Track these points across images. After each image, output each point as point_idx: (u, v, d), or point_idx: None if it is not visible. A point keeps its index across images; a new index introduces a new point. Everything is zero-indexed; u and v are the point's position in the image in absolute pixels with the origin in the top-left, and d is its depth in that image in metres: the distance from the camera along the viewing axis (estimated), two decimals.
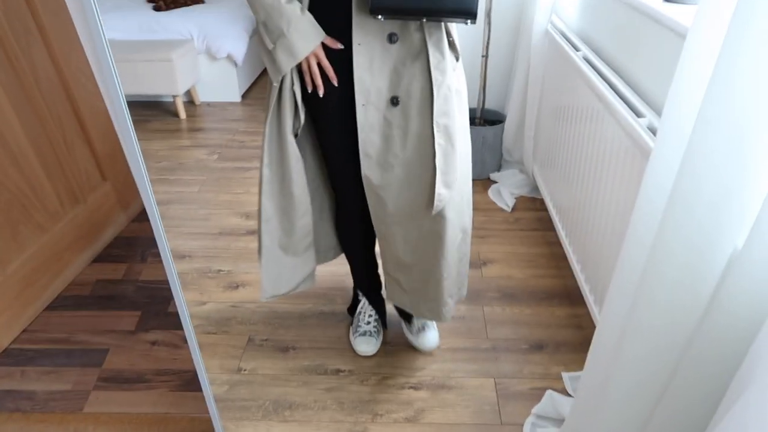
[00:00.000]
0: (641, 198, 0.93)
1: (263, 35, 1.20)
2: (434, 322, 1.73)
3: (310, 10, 1.20)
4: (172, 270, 1.11)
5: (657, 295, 0.90)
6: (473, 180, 2.61)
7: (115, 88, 0.84)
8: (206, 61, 3.64)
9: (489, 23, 2.26)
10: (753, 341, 0.73)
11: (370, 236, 1.58)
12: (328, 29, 1.21)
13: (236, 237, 2.27)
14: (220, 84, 3.71)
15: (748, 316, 0.83)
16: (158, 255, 2.06)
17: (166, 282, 1.97)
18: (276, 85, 1.26)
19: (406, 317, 1.71)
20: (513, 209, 2.42)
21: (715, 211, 0.79)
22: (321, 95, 1.25)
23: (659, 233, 0.86)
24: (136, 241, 2.20)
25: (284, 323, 1.83)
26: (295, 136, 1.34)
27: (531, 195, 2.49)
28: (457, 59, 1.29)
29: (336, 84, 1.24)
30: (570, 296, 1.91)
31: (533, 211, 2.40)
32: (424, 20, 1.18)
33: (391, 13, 1.13)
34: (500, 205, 2.44)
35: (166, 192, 2.60)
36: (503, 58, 2.50)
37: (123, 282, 1.98)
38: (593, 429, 1.16)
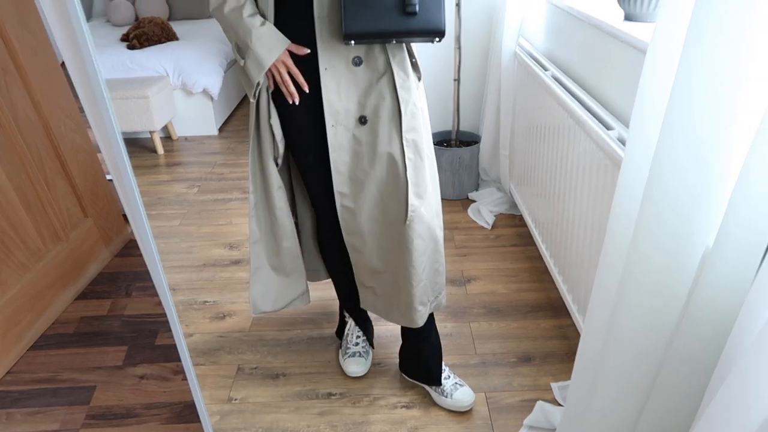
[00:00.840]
0: (615, 207, 0.97)
1: (236, 56, 1.26)
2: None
3: (276, 25, 1.26)
4: (169, 301, 1.11)
5: (635, 299, 0.94)
6: (452, 200, 2.67)
7: (112, 127, 0.86)
8: (182, 96, 3.67)
9: (459, 48, 2.34)
10: (730, 333, 0.77)
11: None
12: (296, 54, 1.26)
13: (221, 268, 2.27)
14: (197, 118, 3.74)
15: (724, 310, 0.87)
16: (143, 289, 2.07)
17: (152, 315, 1.98)
18: (253, 118, 1.33)
19: (433, 381, 1.63)
20: (493, 226, 2.46)
21: (684, 213, 0.83)
22: (296, 103, 1.29)
23: (633, 239, 0.90)
24: (119, 277, 2.19)
25: (273, 350, 1.83)
26: (277, 165, 1.40)
27: (510, 212, 2.55)
28: (419, 79, 1.35)
29: (307, 90, 1.28)
30: (554, 308, 1.95)
31: (513, 227, 2.45)
32: (393, 42, 1.23)
33: (364, 38, 1.19)
34: (480, 223, 2.48)
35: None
36: (475, 80, 2.57)
37: (108, 318, 1.97)
38: None
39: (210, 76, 3.62)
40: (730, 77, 0.73)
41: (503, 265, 2.21)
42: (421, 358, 1.62)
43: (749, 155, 0.73)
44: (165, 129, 3.68)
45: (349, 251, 1.48)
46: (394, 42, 1.24)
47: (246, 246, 2.42)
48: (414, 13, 1.16)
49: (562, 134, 1.72)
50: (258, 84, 1.26)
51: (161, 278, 1.06)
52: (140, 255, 2.33)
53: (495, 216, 2.52)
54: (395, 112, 1.30)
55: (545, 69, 1.92)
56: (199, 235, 2.51)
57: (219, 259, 2.33)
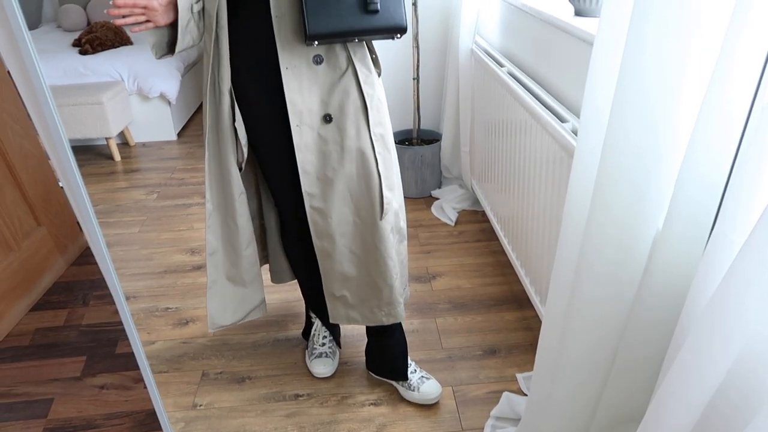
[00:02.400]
0: (569, 196, 0.99)
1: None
2: (334, 352, 1.75)
3: (237, 37, 1.24)
4: (124, 308, 1.08)
5: (590, 287, 0.96)
6: (416, 198, 2.69)
7: (58, 133, 0.83)
8: (138, 101, 3.59)
9: (417, 47, 2.35)
10: (681, 310, 0.80)
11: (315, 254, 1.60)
12: (256, 55, 1.25)
13: (182, 274, 2.23)
14: (155, 123, 3.66)
15: (674, 295, 0.89)
16: (101, 297, 2.02)
17: (111, 324, 1.93)
18: (210, 122, 1.30)
19: (400, 376, 1.63)
20: (456, 223, 2.48)
21: (634, 198, 0.86)
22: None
23: (586, 230, 0.92)
24: (76, 286, 2.12)
25: (238, 354, 1.80)
26: (240, 169, 1.38)
27: (472, 208, 2.57)
28: (379, 75, 1.36)
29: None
30: (518, 300, 1.98)
31: (476, 223, 2.48)
32: (356, 40, 1.23)
33: (327, 37, 1.18)
34: (444, 220, 2.50)
35: (104, 235, 2.52)
36: (434, 78, 2.59)
37: (65, 328, 1.91)
38: (548, 422, 1.20)
39: (167, 80, 3.55)
40: (673, 64, 0.75)
41: (467, 260, 2.23)
42: (387, 355, 1.62)
43: (692, 137, 0.76)
44: (122, 135, 3.60)
45: (319, 259, 1.45)
46: (357, 40, 1.24)
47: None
48: (376, 11, 1.16)
49: (519, 129, 1.75)
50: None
51: (115, 284, 1.04)
52: (97, 263, 2.27)
53: (458, 213, 2.54)
54: (361, 107, 1.29)
55: (501, 65, 1.95)
56: (159, 242, 2.46)
57: (180, 265, 2.29)
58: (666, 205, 0.83)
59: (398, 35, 1.22)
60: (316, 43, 1.19)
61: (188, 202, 2.83)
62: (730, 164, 0.75)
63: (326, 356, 1.71)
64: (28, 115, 1.96)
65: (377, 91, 1.32)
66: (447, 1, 2.41)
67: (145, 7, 1.12)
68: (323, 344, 1.73)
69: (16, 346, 1.83)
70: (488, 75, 2.04)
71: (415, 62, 2.39)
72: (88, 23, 4.31)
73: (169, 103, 3.60)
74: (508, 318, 1.90)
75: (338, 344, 1.76)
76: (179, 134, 3.78)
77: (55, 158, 0.90)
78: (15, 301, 1.91)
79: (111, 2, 1.08)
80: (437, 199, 2.65)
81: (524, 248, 1.82)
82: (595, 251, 0.90)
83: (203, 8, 1.22)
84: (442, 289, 2.06)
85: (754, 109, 0.72)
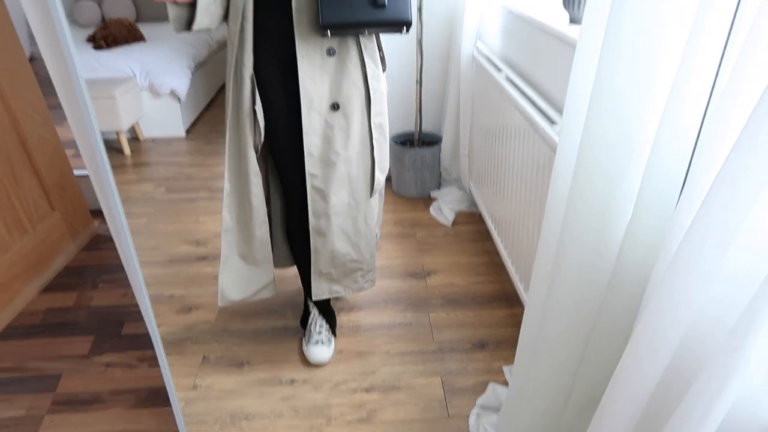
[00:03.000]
0: (551, 191, 1.07)
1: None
2: (330, 340, 1.83)
3: (260, 28, 1.36)
4: (142, 290, 1.16)
5: (567, 274, 1.03)
6: (415, 198, 2.76)
7: (91, 124, 0.91)
8: (149, 97, 3.68)
9: (421, 51, 2.44)
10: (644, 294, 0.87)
11: None
12: (276, 45, 1.37)
13: (188, 264, 2.31)
14: (164, 119, 3.76)
15: (641, 278, 0.97)
16: (109, 281, 2.11)
17: (119, 306, 2.01)
18: (232, 107, 1.42)
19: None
20: (453, 223, 2.56)
21: (605, 194, 0.93)
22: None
23: (564, 219, 1.00)
24: (86, 270, 2.21)
25: (238, 341, 1.88)
26: (257, 152, 1.49)
27: (469, 210, 2.65)
28: (384, 70, 1.50)
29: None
30: (509, 298, 2.05)
31: (472, 224, 2.56)
32: (366, 32, 1.36)
33: (339, 28, 1.30)
34: (441, 220, 2.58)
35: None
36: (436, 82, 2.68)
37: (74, 309, 1.99)
38: (527, 407, 1.28)
39: (178, 77, 3.65)
40: (642, 68, 0.83)
41: (462, 259, 2.31)
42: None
43: (657, 135, 0.84)
44: (132, 130, 3.70)
45: (312, 237, 1.57)
46: (366, 33, 1.37)
47: (213, 242, 2.46)
48: (383, 6, 1.29)
49: (515, 134, 1.82)
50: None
51: (135, 267, 1.12)
52: (107, 249, 2.36)
53: (455, 214, 2.62)
54: (366, 99, 1.45)
55: (499, 70, 2.03)
56: (166, 233, 2.54)
57: (186, 255, 2.37)
58: (635, 195, 0.91)
59: (405, 29, 1.34)
60: (329, 33, 1.31)
61: (195, 196, 2.92)
62: (689, 161, 0.83)
63: (322, 344, 1.79)
64: (50, 106, 2.06)
65: (381, 84, 1.47)
66: (451, 8, 2.50)
67: None
68: (320, 332, 1.81)
69: (28, 324, 1.92)
70: (488, 80, 2.12)
71: (419, 66, 2.47)
72: (103, 19, 4.43)
73: (179, 100, 3.70)
74: (499, 314, 1.98)
75: (334, 333, 1.85)
76: (188, 131, 3.87)
77: (83, 145, 0.98)
78: (28, 281, 2.00)
79: None
80: (436, 200, 2.73)
81: (517, 249, 1.89)
82: (573, 238, 0.98)
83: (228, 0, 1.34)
84: (436, 286, 2.14)
85: (708, 112, 0.80)
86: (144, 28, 4.15)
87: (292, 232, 1.70)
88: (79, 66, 0.85)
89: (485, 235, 2.45)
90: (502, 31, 2.13)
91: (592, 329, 1.07)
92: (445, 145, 2.68)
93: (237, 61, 1.39)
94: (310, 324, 1.83)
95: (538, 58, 1.78)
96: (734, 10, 0.73)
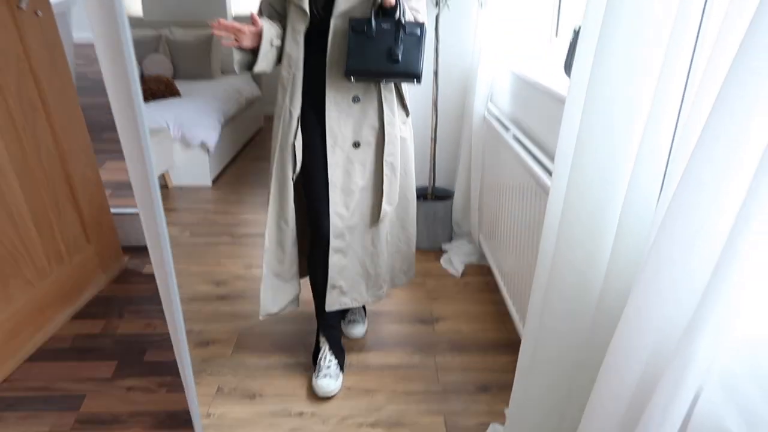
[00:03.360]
0: (545, 227, 1.19)
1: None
2: (365, 320, 2.22)
3: (304, 77, 1.65)
4: (178, 321, 1.29)
5: (556, 305, 1.14)
6: (426, 250, 2.88)
7: (151, 168, 1.06)
8: (180, 148, 3.91)
9: (436, 111, 2.63)
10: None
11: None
12: (314, 91, 1.65)
13: (207, 302, 2.43)
14: (193, 169, 3.96)
15: (623, 298, 1.07)
16: (135, 312, 2.24)
17: (142, 335, 2.13)
18: (277, 142, 1.71)
19: (341, 313, 2.13)
20: (462, 275, 2.67)
21: (590, 227, 1.06)
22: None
23: (555, 251, 1.12)
24: (114, 300, 2.35)
25: (252, 374, 1.97)
26: (293, 180, 1.75)
27: (479, 263, 2.76)
28: (408, 115, 1.78)
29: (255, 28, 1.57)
30: (513, 346, 2.12)
31: (481, 276, 2.66)
32: (384, 81, 1.64)
33: (361, 75, 1.59)
34: (451, 271, 2.69)
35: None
36: (450, 140, 2.85)
37: (101, 336, 2.12)
38: (523, 422, 1.35)
39: (208, 130, 3.89)
40: (617, 121, 0.97)
41: (470, 308, 2.40)
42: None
43: (632, 176, 0.97)
44: (162, 177, 3.90)
45: (330, 255, 1.78)
46: (384, 81, 1.64)
47: (232, 283, 2.59)
48: (397, 61, 1.56)
49: (522, 190, 1.94)
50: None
51: (174, 298, 1.25)
52: (134, 282, 2.50)
53: (465, 265, 2.73)
54: (381, 140, 1.70)
55: (507, 129, 2.19)
56: (189, 273, 2.68)
57: (206, 294, 2.49)
58: (614, 235, 1.03)
59: (416, 81, 1.60)
60: (353, 78, 1.59)
61: (217, 241, 3.07)
62: (658, 193, 0.96)
63: (330, 377, 1.87)
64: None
65: (396, 129, 1.72)
66: (464, 72, 2.70)
67: (238, 30, 1.52)
68: (329, 367, 1.90)
69: (58, 348, 2.05)
70: (497, 139, 2.28)
71: (434, 125, 2.66)
72: (142, 75, 4.75)
73: (208, 151, 3.92)
74: (503, 360, 2.05)
75: (342, 369, 1.94)
76: (214, 180, 4.08)
77: (139, 186, 1.13)
78: (61, 308, 2.13)
79: (211, 24, 1.52)
80: (446, 252, 2.84)
81: (522, 300, 1.98)
82: (563, 267, 1.10)
83: (283, 50, 1.64)
84: (444, 331, 2.23)
85: (671, 157, 0.93)
86: (180, 85, 4.44)
87: (314, 260, 1.87)
88: (145, 117, 1.01)
89: (493, 287, 2.54)
90: (510, 93, 2.31)
91: (580, 352, 1.16)
92: (457, 199, 2.82)
93: (288, 102, 1.67)
94: (320, 359, 1.92)
95: (542, 118, 1.94)
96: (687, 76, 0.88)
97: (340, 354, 1.97)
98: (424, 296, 2.49)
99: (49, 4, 1.96)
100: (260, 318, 1.89)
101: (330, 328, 1.97)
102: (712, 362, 0.73)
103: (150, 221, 1.15)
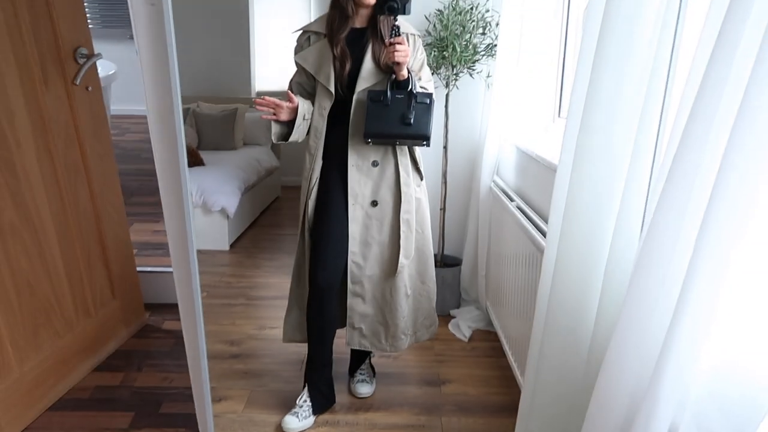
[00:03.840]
0: (541, 284, 1.31)
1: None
2: (373, 380, 2.30)
3: (327, 144, 1.89)
4: (204, 376, 1.39)
5: (551, 354, 1.24)
6: None
7: (191, 232, 1.21)
8: (200, 213, 4.08)
9: (445, 182, 2.79)
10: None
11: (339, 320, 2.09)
12: (337, 156, 1.88)
13: (221, 360, 2.51)
14: (212, 234, 4.12)
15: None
16: (153, 366, 2.33)
17: (159, 388, 2.21)
18: (302, 203, 1.96)
19: (351, 372, 2.31)
20: (470, 340, 2.73)
21: (578, 283, 1.17)
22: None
23: (549, 304, 1.23)
24: (133, 354, 2.44)
25: (261, 430, 2.03)
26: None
27: (486, 328, 2.83)
28: (422, 179, 2.00)
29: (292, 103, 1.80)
30: (518, 409, 2.17)
31: (488, 341, 2.72)
32: (397, 143, 1.86)
33: (378, 137, 1.83)
34: (458, 336, 2.76)
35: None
36: (458, 210, 3.00)
37: (119, 388, 2.20)
38: None
39: (229, 197, 4.07)
40: (601, 188, 1.11)
41: (476, 372, 2.45)
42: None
43: (612, 240, 1.09)
44: None
45: (348, 299, 1.97)
46: (398, 143, 1.86)
47: (246, 343, 2.68)
48: (410, 124, 1.80)
49: (526, 258, 2.05)
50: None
51: (202, 353, 1.36)
52: (153, 338, 2.60)
53: (472, 331, 2.80)
54: (398, 199, 1.91)
55: (512, 200, 2.33)
56: (204, 332, 2.77)
57: (220, 353, 2.57)
58: (600, 287, 1.14)
59: (426, 143, 1.83)
60: (370, 141, 1.82)
61: (233, 302, 3.17)
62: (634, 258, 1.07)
63: (295, 416, 2.02)
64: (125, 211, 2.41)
65: (411, 190, 1.93)
66: (472, 146, 2.88)
67: (277, 105, 1.76)
68: (301, 406, 2.05)
69: (78, 398, 2.13)
70: (502, 209, 2.42)
71: (443, 195, 2.81)
72: None
73: (228, 217, 4.09)
74: (508, 423, 2.09)
75: (316, 412, 2.08)
76: (232, 245, 4.22)
77: (176, 247, 1.27)
78: (84, 360, 2.23)
79: (254, 100, 1.77)
80: (455, 317, 2.92)
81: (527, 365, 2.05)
82: (556, 321, 1.20)
83: (311, 123, 1.87)
84: (450, 393, 2.28)
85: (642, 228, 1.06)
86: (204, 154, 4.68)
87: (309, 298, 2.03)
88: (188, 189, 1.17)
89: (499, 352, 2.60)
90: (515, 167, 2.47)
91: (574, 397, 1.24)
92: (465, 267, 2.93)
93: (311, 166, 1.90)
94: (298, 398, 2.08)
95: (544, 190, 2.08)
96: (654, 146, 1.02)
97: (318, 398, 2.09)
98: (431, 359, 2.55)
99: (98, 80, 2.18)
100: (283, 342, 2.11)
101: (312, 371, 2.09)
102: (682, 399, 0.83)
103: (184, 281, 1.28)
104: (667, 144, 0.94)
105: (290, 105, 1.78)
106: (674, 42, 1.04)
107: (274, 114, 1.78)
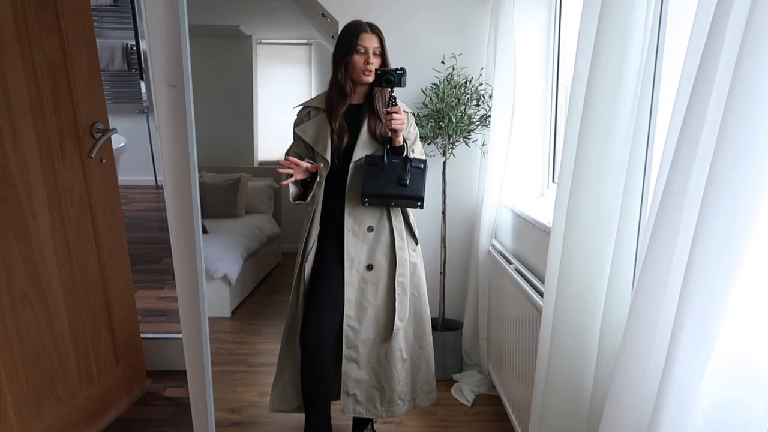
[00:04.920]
0: (540, 340, 1.35)
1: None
2: None
3: (324, 210, 1.96)
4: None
5: (553, 404, 1.26)
6: (437, 380, 2.94)
7: (203, 300, 1.27)
8: None
9: (444, 247, 2.85)
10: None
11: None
12: (332, 220, 1.95)
13: (223, 428, 2.49)
14: (214, 300, 4.13)
15: None
16: None
17: None
18: (297, 265, 2.01)
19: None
20: (473, 404, 2.71)
21: (574, 340, 1.21)
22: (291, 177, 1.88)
23: (549, 360, 1.27)
24: (134, 423, 2.41)
25: None
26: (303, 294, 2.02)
27: (489, 392, 2.81)
28: (416, 243, 2.05)
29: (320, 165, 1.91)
30: None
31: (491, 405, 2.70)
32: (392, 204, 1.92)
33: (375, 197, 1.90)
34: (461, 401, 2.74)
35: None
36: (458, 274, 3.04)
37: None
38: None
39: (231, 264, 4.12)
40: (596, 251, 1.17)
41: None
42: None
43: (606, 297, 1.14)
44: None
45: (343, 364, 1.96)
46: (393, 204, 1.93)
47: (247, 410, 2.66)
48: (405, 185, 1.88)
49: (526, 321, 2.08)
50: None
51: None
52: (155, 405, 2.58)
53: (475, 395, 2.78)
54: (392, 263, 1.96)
55: (510, 263, 2.39)
56: None
57: (221, 420, 2.55)
58: (597, 339, 1.19)
59: (419, 204, 1.90)
60: (367, 202, 1.88)
61: (234, 369, 3.16)
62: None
63: None
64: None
65: (405, 254, 1.99)
66: (470, 211, 2.97)
67: (297, 165, 1.84)
68: None
69: None
70: (501, 272, 2.47)
71: (443, 259, 2.87)
72: None
73: (230, 283, 4.12)
74: None
75: None
76: (233, 312, 4.23)
77: (186, 312, 1.32)
78: (85, 429, 2.21)
79: (279, 161, 1.86)
80: (457, 381, 2.91)
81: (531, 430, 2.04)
82: (555, 378, 1.23)
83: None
84: None
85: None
86: (208, 222, 4.77)
87: (302, 362, 2.04)
88: (202, 257, 1.24)
89: (503, 416, 2.58)
90: (512, 230, 2.55)
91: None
92: (466, 330, 2.95)
93: (307, 230, 1.98)
94: None
95: (540, 252, 2.14)
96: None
97: None
98: (435, 425, 2.53)
99: (112, 153, 2.29)
100: (269, 411, 2.10)
101: (310, 427, 2.07)
102: None
103: (194, 346, 1.32)
104: (650, 203, 1.01)
105: (309, 167, 1.86)
106: (651, 113, 1.13)
107: (291, 176, 1.86)
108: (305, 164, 1.86)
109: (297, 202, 1.96)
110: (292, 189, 1.93)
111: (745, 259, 0.78)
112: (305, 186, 1.99)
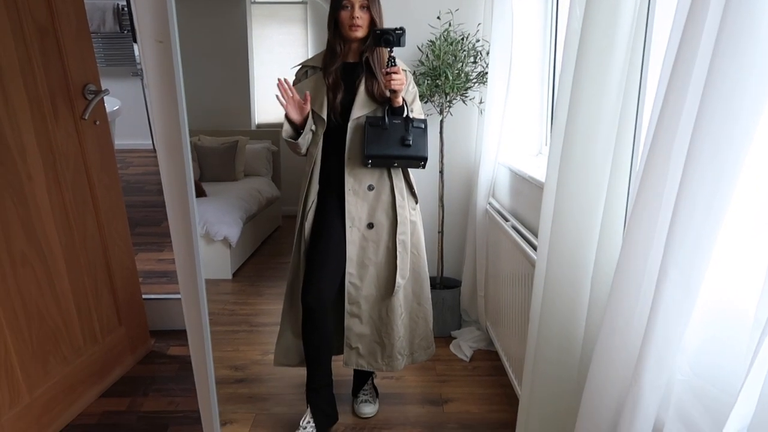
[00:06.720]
0: (533, 296, 1.36)
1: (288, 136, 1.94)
2: (376, 400, 2.33)
3: (324, 169, 1.97)
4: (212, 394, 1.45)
5: (546, 353, 1.29)
6: (436, 337, 2.98)
7: (199, 264, 1.28)
8: (203, 243, 4.14)
9: (442, 206, 2.86)
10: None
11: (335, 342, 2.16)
12: (333, 181, 1.96)
13: (226, 385, 2.54)
14: (215, 263, 4.18)
15: None
16: (158, 391, 2.37)
17: (165, 412, 2.26)
18: (297, 224, 2.03)
19: (354, 393, 2.34)
20: (471, 359, 2.77)
21: (568, 295, 1.23)
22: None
23: (540, 319, 1.29)
24: (139, 380, 2.48)
25: None
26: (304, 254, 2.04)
27: (487, 348, 2.86)
28: (416, 203, 2.07)
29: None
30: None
31: (489, 361, 2.75)
32: (395, 165, 1.93)
33: (378, 158, 1.90)
34: (460, 356, 2.79)
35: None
36: (456, 233, 3.06)
37: (126, 413, 2.23)
38: None
39: (231, 227, 4.14)
40: (587, 200, 1.17)
41: (477, 390, 2.49)
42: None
43: (597, 253, 1.15)
44: None
45: (346, 319, 2.02)
46: (395, 165, 1.93)
47: (250, 368, 2.71)
48: (409, 146, 1.88)
49: (522, 277, 2.11)
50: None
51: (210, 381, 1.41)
52: (158, 363, 2.64)
53: (473, 351, 2.83)
54: (393, 221, 1.98)
55: (507, 220, 2.40)
56: None
57: (225, 378, 2.61)
58: (589, 289, 1.20)
59: (422, 164, 1.91)
60: (370, 163, 1.88)
61: (236, 329, 3.21)
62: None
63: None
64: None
65: (406, 212, 2.01)
66: (467, 170, 2.96)
67: (291, 97, 1.85)
68: (305, 428, 2.08)
69: (86, 424, 2.16)
70: (498, 230, 2.48)
71: (440, 218, 2.88)
72: None
73: (230, 246, 4.15)
74: None
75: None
76: (234, 274, 4.28)
77: (185, 275, 1.34)
78: (90, 387, 2.27)
79: (278, 80, 1.86)
80: (456, 338, 2.96)
81: None
82: (548, 327, 1.26)
83: (308, 148, 1.96)
84: (453, 412, 2.31)
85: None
86: (206, 186, 4.77)
87: (303, 319, 2.08)
88: (196, 218, 1.24)
89: (500, 371, 2.63)
90: (509, 188, 2.55)
91: (571, 398, 1.29)
92: (464, 288, 2.98)
93: (306, 191, 1.99)
94: (302, 419, 2.12)
95: (536, 208, 2.15)
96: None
97: (321, 417, 2.12)
98: (433, 379, 2.58)
99: (105, 115, 2.28)
100: (274, 365, 2.16)
101: (312, 391, 2.11)
102: (665, 395, 0.88)
103: (192, 306, 1.34)
104: (641, 154, 1.01)
105: (300, 101, 1.86)
106: (642, 65, 1.12)
107: (286, 105, 1.86)
108: (298, 96, 1.85)
109: (290, 140, 1.91)
110: (285, 125, 1.92)
111: (730, 207, 0.79)
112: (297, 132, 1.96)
